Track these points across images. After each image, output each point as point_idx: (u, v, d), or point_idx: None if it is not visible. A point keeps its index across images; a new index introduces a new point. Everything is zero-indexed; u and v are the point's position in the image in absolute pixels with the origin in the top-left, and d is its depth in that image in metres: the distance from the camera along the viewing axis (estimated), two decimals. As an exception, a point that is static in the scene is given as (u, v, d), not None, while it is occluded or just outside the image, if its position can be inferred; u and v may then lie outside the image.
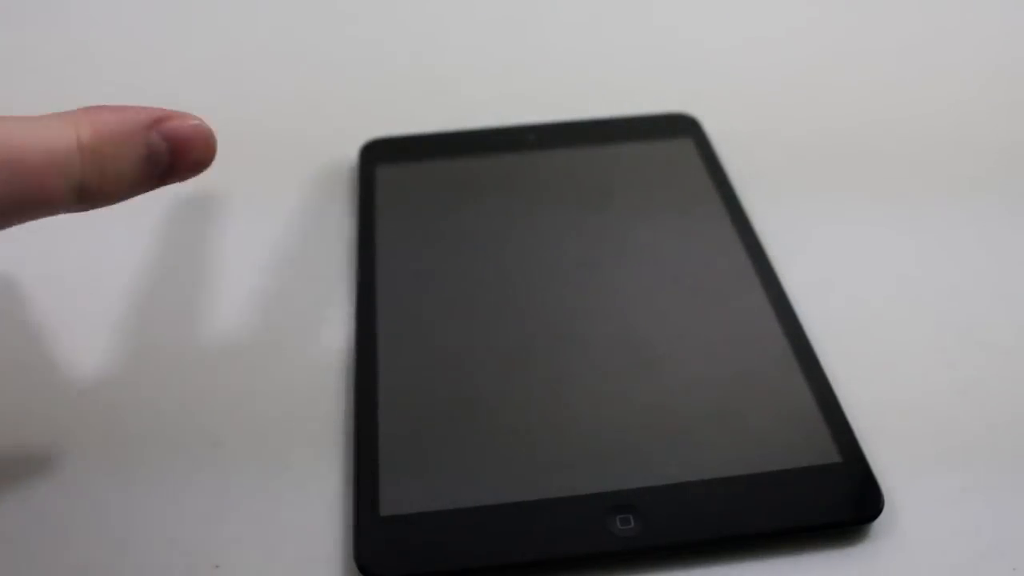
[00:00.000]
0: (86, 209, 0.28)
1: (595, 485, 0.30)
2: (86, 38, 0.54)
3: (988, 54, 0.52)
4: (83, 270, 0.40)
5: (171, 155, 0.28)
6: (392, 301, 0.37)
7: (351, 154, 0.45)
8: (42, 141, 0.26)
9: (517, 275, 0.38)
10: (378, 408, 0.33)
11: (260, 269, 0.40)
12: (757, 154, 0.45)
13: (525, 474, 0.31)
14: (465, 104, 0.49)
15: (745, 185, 0.42)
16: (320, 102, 0.50)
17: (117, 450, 0.33)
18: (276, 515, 0.31)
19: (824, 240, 0.41)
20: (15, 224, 0.27)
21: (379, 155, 0.44)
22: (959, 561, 0.30)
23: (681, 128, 0.46)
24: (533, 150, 0.44)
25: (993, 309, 0.37)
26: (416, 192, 0.42)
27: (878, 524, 0.30)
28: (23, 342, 0.37)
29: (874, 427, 0.33)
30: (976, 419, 0.34)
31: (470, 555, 0.29)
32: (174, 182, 0.29)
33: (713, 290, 0.37)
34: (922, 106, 0.48)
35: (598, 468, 0.31)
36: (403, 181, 0.43)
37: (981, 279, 0.39)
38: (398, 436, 0.32)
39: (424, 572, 0.29)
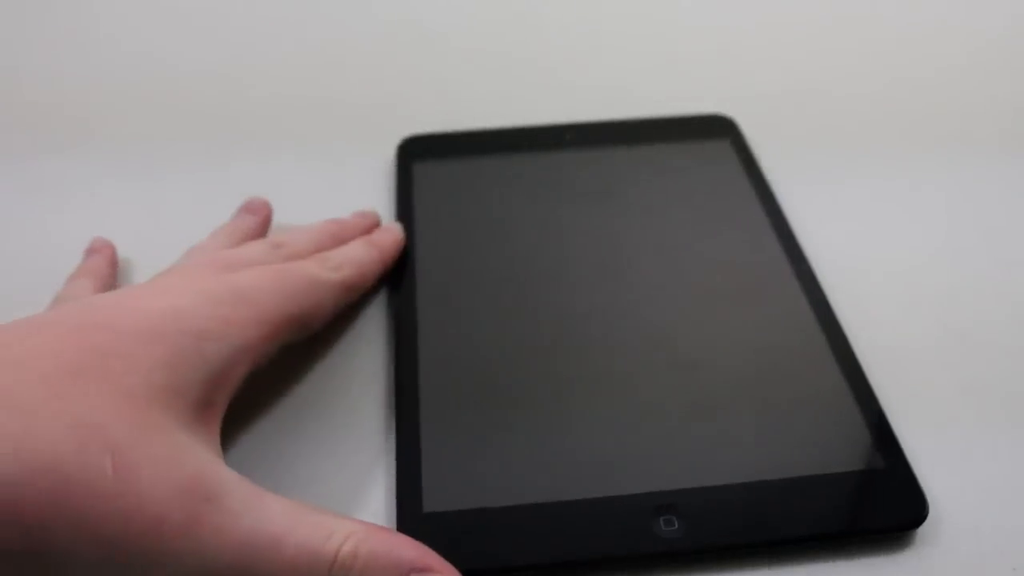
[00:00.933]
0: None
1: (639, 485, 0.30)
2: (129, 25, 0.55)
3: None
4: (139, 254, 0.40)
5: None
6: (431, 298, 0.37)
7: (389, 151, 0.45)
8: (305, 537, 0.27)
9: (555, 273, 0.38)
10: (419, 405, 0.33)
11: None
12: (794, 155, 0.45)
13: (568, 473, 0.31)
14: (502, 102, 0.49)
15: (782, 186, 0.42)
16: (358, 98, 0.50)
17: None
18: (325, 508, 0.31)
19: (864, 241, 0.40)
20: None
21: (416, 152, 0.44)
22: (1007, 568, 0.29)
23: (718, 129, 0.46)
24: (570, 149, 0.44)
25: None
26: (454, 189, 0.42)
27: (923, 531, 0.30)
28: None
29: (918, 433, 0.33)
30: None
31: (512, 553, 0.29)
32: None
33: (752, 292, 0.37)
34: (968, 98, 0.48)
35: (642, 469, 0.31)
36: (441, 178, 0.43)
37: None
38: (440, 433, 0.32)
39: (467, 569, 0.29)
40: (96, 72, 0.51)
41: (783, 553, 0.30)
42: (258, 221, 0.39)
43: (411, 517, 0.30)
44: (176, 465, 0.26)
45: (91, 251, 0.39)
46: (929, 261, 0.40)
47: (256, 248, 0.36)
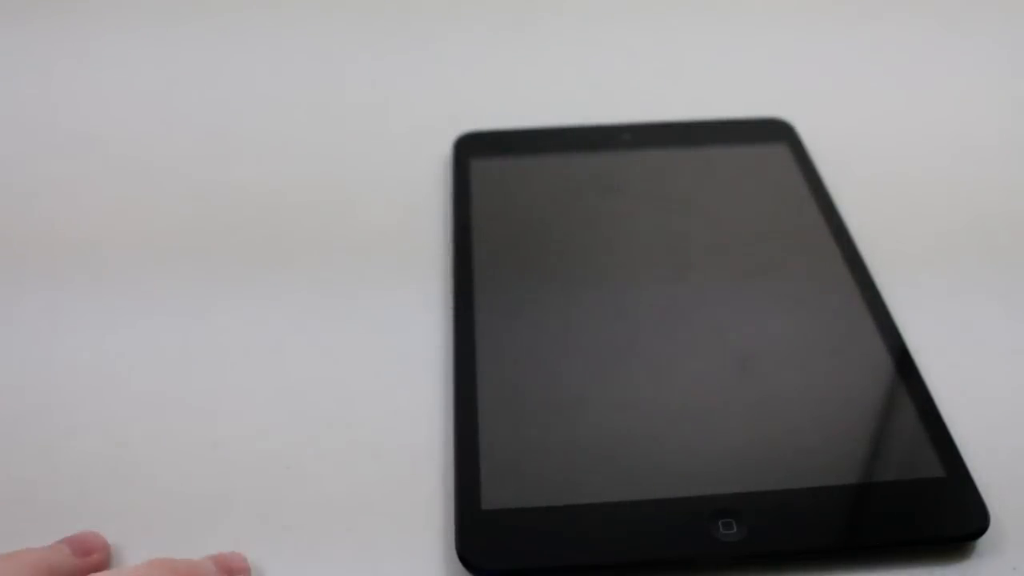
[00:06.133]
0: None
1: (699, 488, 0.30)
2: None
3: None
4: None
5: None
6: (489, 295, 0.37)
7: (445, 147, 0.45)
8: None
9: (612, 273, 0.38)
10: (478, 401, 0.33)
11: (356, 262, 0.40)
12: (852, 162, 0.44)
13: (627, 474, 0.31)
14: (560, 100, 0.49)
15: (840, 192, 0.42)
16: (415, 94, 0.50)
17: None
18: (380, 505, 0.31)
19: (925, 251, 0.40)
20: None
21: (473, 149, 0.44)
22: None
23: (776, 133, 0.45)
24: (628, 149, 0.44)
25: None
26: (511, 186, 0.43)
27: (984, 541, 0.30)
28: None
29: (979, 444, 0.32)
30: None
31: (570, 553, 0.29)
32: None
33: (812, 299, 0.37)
34: None
35: (702, 471, 0.31)
36: (498, 175, 0.43)
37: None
38: (498, 431, 0.32)
39: (524, 567, 0.29)
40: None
41: (840, 560, 0.29)
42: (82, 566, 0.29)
43: (469, 514, 0.30)
44: None
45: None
46: (990, 275, 0.39)
47: None
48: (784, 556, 0.29)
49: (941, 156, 0.45)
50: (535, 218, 0.41)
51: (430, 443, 0.33)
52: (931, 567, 0.29)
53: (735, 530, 0.29)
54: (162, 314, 0.38)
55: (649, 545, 0.29)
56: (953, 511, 0.30)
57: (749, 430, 0.32)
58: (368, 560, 0.30)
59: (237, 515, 0.31)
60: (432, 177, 0.44)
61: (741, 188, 0.42)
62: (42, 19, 0.53)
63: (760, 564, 0.29)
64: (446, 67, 0.52)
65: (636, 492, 0.30)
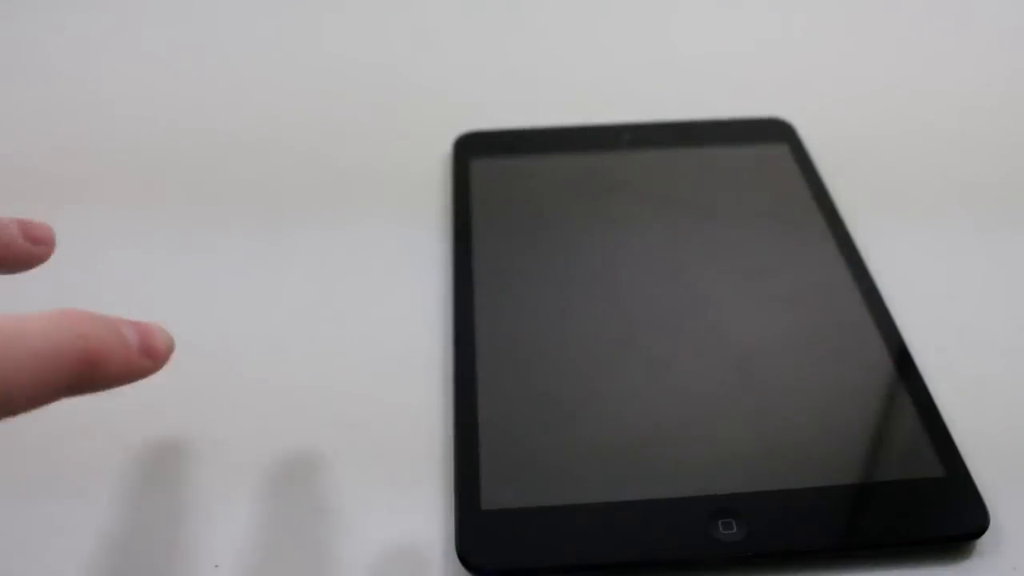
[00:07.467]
0: None
1: (699, 488, 0.30)
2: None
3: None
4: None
5: None
6: (489, 295, 0.37)
7: (445, 147, 0.45)
8: None
9: (612, 273, 0.38)
10: (478, 401, 0.33)
11: (355, 262, 0.40)
12: (852, 162, 0.44)
13: (627, 474, 0.31)
14: (560, 100, 0.49)
15: (840, 192, 0.42)
16: (415, 94, 0.50)
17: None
18: (380, 505, 0.31)
19: (926, 251, 0.40)
20: None
21: (473, 149, 0.45)
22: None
23: (776, 133, 0.45)
24: (627, 149, 0.44)
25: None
26: (511, 187, 0.42)
27: (984, 541, 0.30)
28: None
29: (979, 444, 0.32)
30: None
31: (570, 553, 0.29)
32: None
33: (812, 298, 0.37)
34: None
35: (702, 471, 0.31)
36: (497, 175, 0.43)
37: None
38: (498, 431, 0.32)
39: (524, 567, 0.29)
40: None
41: (840, 560, 0.29)
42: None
43: (469, 514, 0.30)
44: None
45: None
46: (988, 273, 0.39)
47: None
48: (784, 556, 0.29)
49: (941, 156, 0.45)
50: (535, 218, 0.41)
51: (430, 443, 0.33)
52: (931, 567, 0.29)
53: (735, 530, 0.29)
54: (159, 315, 0.38)
55: (649, 545, 0.29)
56: (953, 511, 0.30)
57: (749, 430, 0.32)
58: (368, 560, 0.30)
59: (237, 515, 0.31)
60: (432, 177, 0.44)
61: (741, 188, 0.42)
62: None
63: (760, 564, 0.29)
64: (446, 66, 0.52)
65: (636, 492, 0.30)
